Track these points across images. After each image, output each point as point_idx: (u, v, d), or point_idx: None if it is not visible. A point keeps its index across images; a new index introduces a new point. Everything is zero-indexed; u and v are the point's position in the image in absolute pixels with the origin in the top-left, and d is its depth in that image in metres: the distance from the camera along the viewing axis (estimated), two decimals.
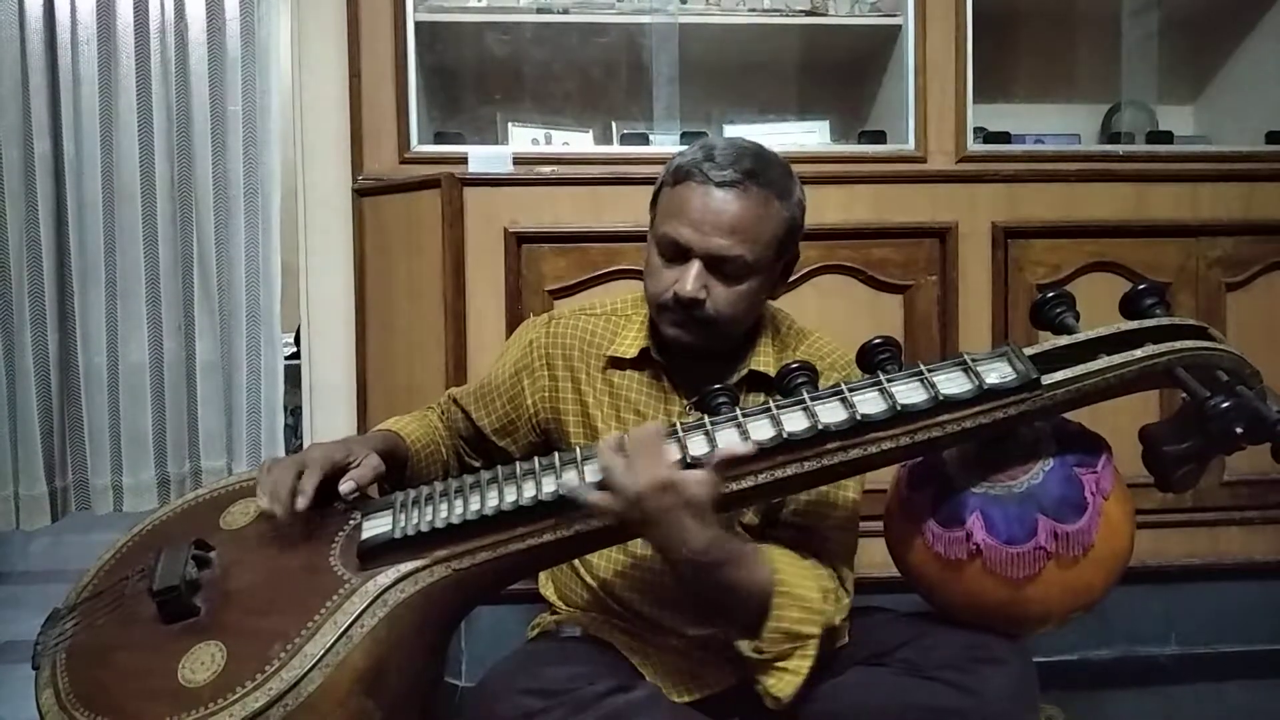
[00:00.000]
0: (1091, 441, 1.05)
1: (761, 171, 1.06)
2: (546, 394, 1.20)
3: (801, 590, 1.00)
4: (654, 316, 1.12)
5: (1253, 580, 1.94)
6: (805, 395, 0.98)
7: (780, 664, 0.98)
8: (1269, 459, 0.95)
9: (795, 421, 0.96)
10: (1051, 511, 0.99)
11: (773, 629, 0.98)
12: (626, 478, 0.90)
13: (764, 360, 1.15)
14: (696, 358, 1.13)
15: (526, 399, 1.20)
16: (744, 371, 1.15)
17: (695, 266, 1.05)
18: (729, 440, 0.94)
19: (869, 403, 0.96)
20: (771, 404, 0.98)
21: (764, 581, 0.98)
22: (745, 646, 0.99)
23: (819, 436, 0.95)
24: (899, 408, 0.94)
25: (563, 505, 0.95)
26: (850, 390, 0.97)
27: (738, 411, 0.98)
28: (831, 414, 0.96)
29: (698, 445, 0.96)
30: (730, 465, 0.93)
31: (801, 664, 0.99)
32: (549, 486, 0.97)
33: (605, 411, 1.17)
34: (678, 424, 0.99)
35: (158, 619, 0.94)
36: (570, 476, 0.96)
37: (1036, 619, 1.03)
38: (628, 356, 1.17)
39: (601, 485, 0.92)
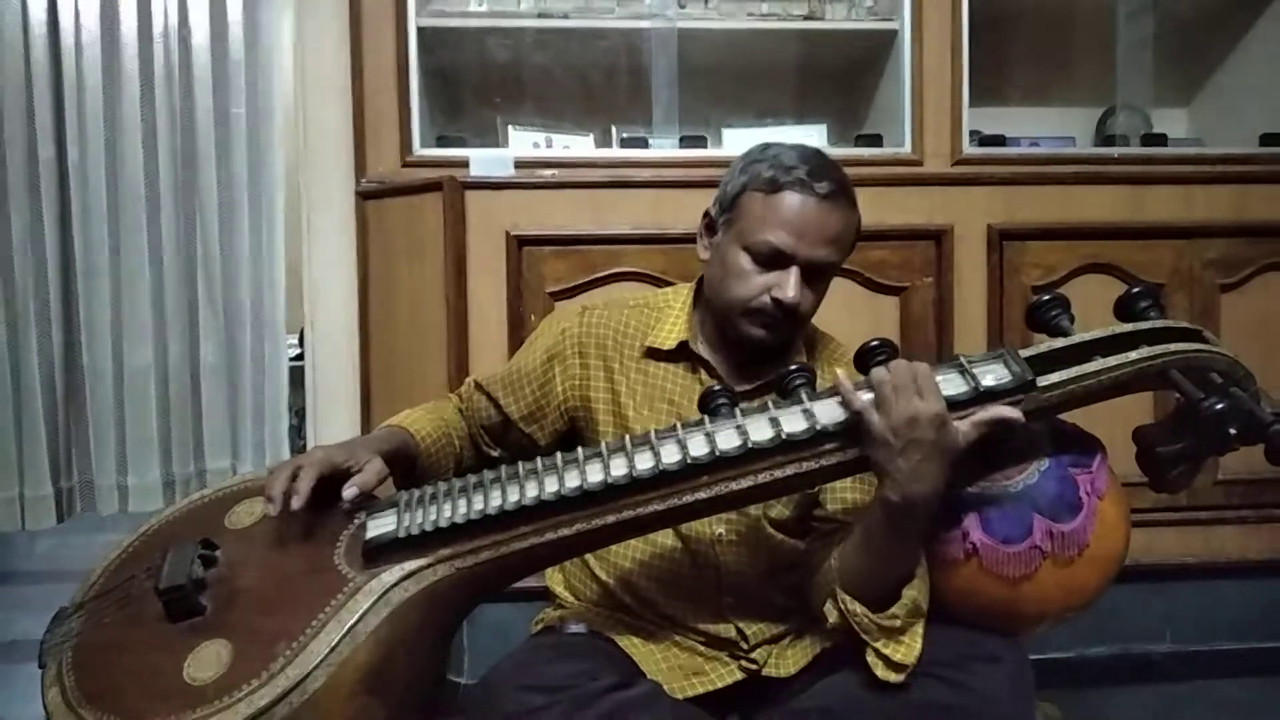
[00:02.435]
0: (1087, 442, 1.06)
1: (844, 180, 1.12)
2: (577, 382, 1.21)
3: (925, 568, 1.03)
4: (733, 317, 1.13)
5: (1246, 579, 1.95)
6: (804, 396, 1.00)
7: (902, 636, 1.00)
8: (1263, 459, 0.95)
9: (794, 422, 0.98)
10: (1047, 511, 1.00)
11: (911, 599, 1.00)
12: (909, 402, 0.92)
13: (802, 359, 1.19)
14: (766, 354, 1.16)
15: (557, 386, 1.21)
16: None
17: (795, 273, 1.09)
18: (999, 410, 0.95)
19: (860, 397, 0.97)
20: (770, 405, 1.00)
21: (921, 553, 1.02)
22: (875, 614, 0.99)
23: (818, 437, 0.97)
24: None
25: (564, 505, 0.96)
26: None
27: (737, 412, 1.00)
28: (829, 414, 0.98)
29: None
30: (992, 426, 0.94)
31: (915, 640, 1.01)
32: (551, 486, 0.98)
33: (638, 401, 1.18)
34: (678, 424, 1.01)
35: (164, 618, 0.94)
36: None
37: (1032, 618, 1.04)
38: (665, 348, 1.18)
39: (875, 404, 0.94)
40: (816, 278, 1.12)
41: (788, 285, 1.09)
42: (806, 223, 1.09)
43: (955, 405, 0.96)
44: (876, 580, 1.00)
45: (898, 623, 0.99)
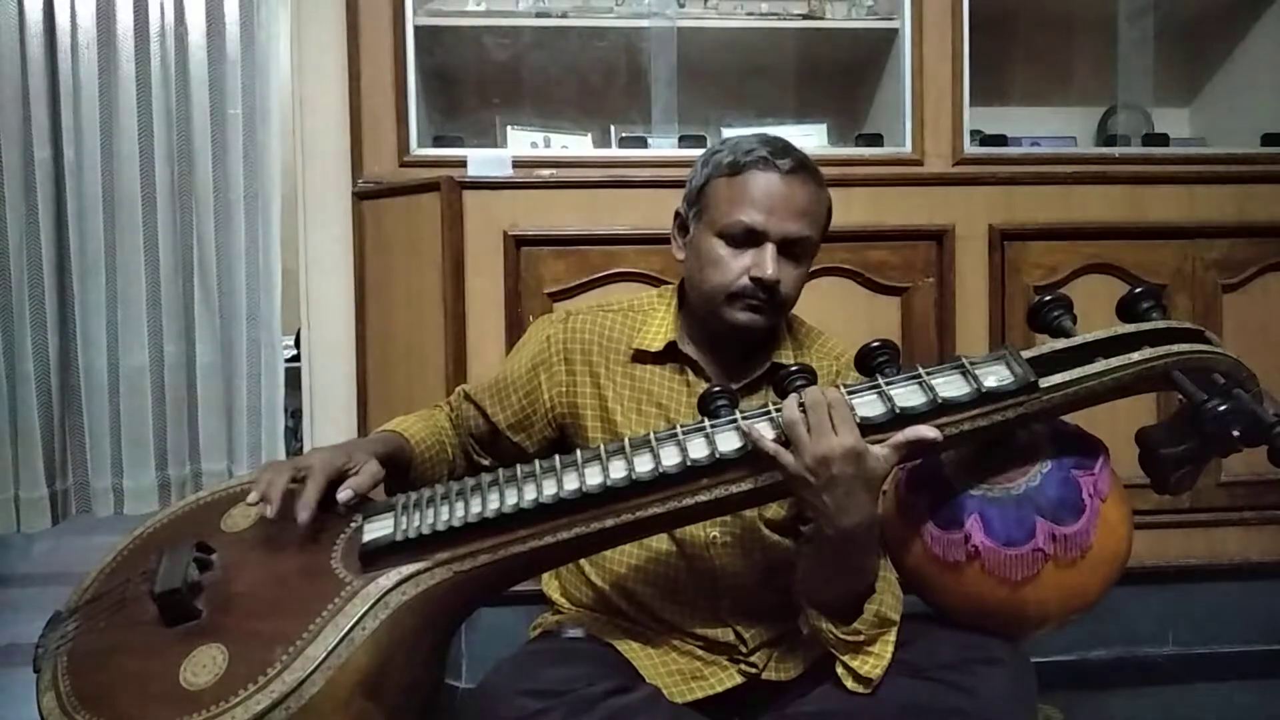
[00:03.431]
0: (1089, 444, 1.05)
1: (807, 159, 1.13)
2: (564, 389, 1.20)
3: (892, 577, 1.04)
4: (717, 306, 1.13)
5: (1249, 581, 1.95)
6: None
7: (869, 648, 1.01)
8: (1265, 460, 0.95)
9: None
10: (1049, 514, 0.99)
11: (873, 613, 1.00)
12: (820, 440, 0.92)
13: (786, 354, 1.19)
14: (750, 343, 1.17)
15: (543, 394, 1.21)
16: (767, 365, 1.18)
17: (771, 249, 1.10)
18: (917, 430, 0.94)
19: (867, 405, 0.97)
20: (771, 407, 0.99)
21: (878, 566, 1.01)
22: (839, 629, 1.00)
23: None
24: (897, 410, 0.95)
25: (562, 508, 0.96)
26: (848, 393, 0.98)
27: (737, 414, 0.99)
28: None
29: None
30: (913, 448, 0.94)
31: (885, 649, 1.01)
32: (549, 489, 0.97)
33: (625, 406, 1.18)
34: (677, 427, 1.00)
35: (159, 622, 0.94)
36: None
37: (1035, 620, 1.03)
38: (652, 350, 1.18)
39: (785, 442, 0.94)
40: (792, 255, 1.12)
41: (765, 263, 1.09)
42: (773, 198, 1.09)
43: (958, 407, 0.95)
44: (833, 598, 1.01)
45: (860, 637, 1.00)
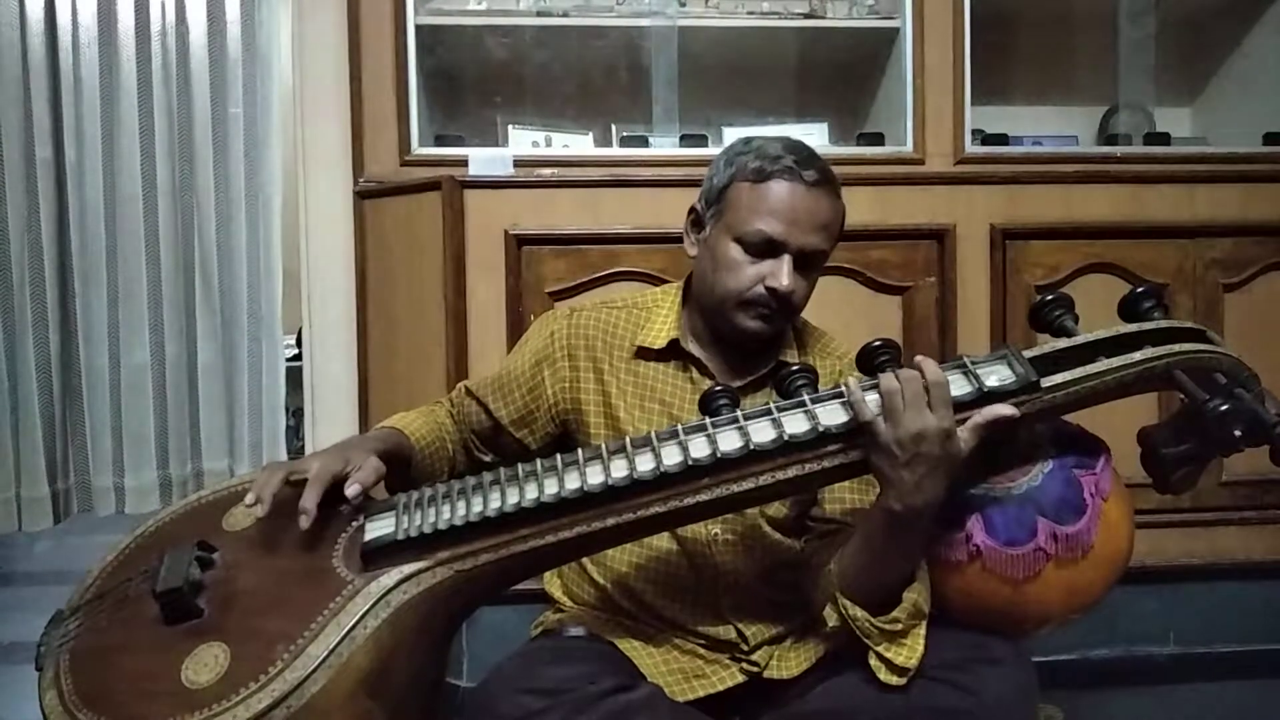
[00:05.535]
0: (1090, 443, 1.06)
1: (829, 170, 1.13)
2: (567, 385, 1.20)
3: (925, 571, 1.03)
4: (727, 310, 1.13)
5: (1250, 580, 1.95)
6: (806, 397, 0.99)
7: (903, 638, 1.00)
8: (1267, 460, 0.95)
9: (796, 424, 0.97)
10: (1051, 513, 0.99)
11: (912, 602, 0.99)
12: (917, 416, 0.92)
13: (790, 354, 1.20)
14: (759, 346, 1.17)
15: (547, 390, 1.21)
16: (770, 364, 1.18)
17: (788, 261, 1.10)
18: (994, 410, 0.94)
19: (870, 404, 0.96)
20: (773, 406, 0.99)
21: (921, 556, 1.02)
22: (876, 618, 0.99)
23: (820, 439, 0.96)
24: (984, 390, 0.95)
25: (564, 507, 0.96)
26: None
27: (739, 414, 0.99)
28: (832, 416, 0.97)
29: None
30: (990, 428, 0.94)
31: (918, 641, 1.00)
32: (551, 488, 0.97)
33: (629, 402, 1.18)
34: (679, 426, 1.00)
35: (161, 620, 0.94)
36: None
37: (1036, 620, 1.04)
38: (655, 347, 1.18)
39: (883, 414, 0.94)
40: (808, 266, 1.13)
41: (781, 274, 1.09)
42: (797, 210, 1.09)
43: (959, 406, 0.95)
44: (877, 584, 1.00)
45: (899, 626, 0.99)
